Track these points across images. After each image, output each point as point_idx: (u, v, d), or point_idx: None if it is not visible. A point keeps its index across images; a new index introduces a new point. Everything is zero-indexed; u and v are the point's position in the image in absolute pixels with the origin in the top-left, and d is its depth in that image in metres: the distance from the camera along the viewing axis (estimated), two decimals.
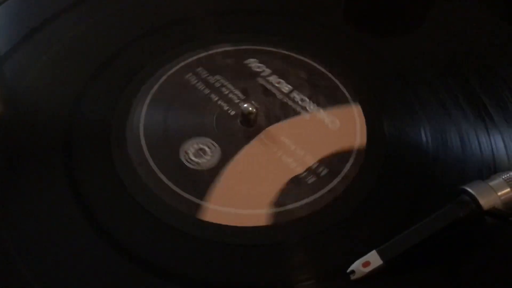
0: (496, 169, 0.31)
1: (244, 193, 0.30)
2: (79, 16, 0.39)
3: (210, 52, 0.37)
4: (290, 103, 0.34)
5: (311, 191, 0.30)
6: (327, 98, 0.34)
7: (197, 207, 0.29)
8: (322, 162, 0.31)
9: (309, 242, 0.28)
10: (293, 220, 0.29)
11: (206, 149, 0.31)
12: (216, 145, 0.32)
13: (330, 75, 0.36)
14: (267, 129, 0.33)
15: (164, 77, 0.35)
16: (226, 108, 0.34)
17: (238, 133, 0.32)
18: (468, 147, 0.32)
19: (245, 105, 0.32)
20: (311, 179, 0.30)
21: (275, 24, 0.40)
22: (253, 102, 0.33)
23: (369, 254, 0.25)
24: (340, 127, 0.33)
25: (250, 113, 0.32)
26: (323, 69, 0.36)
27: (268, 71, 0.36)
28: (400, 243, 0.25)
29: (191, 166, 0.30)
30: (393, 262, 0.25)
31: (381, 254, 0.25)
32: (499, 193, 0.27)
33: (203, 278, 0.26)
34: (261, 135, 0.32)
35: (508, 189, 0.27)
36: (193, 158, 0.31)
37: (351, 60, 0.37)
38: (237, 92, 0.34)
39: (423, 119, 0.34)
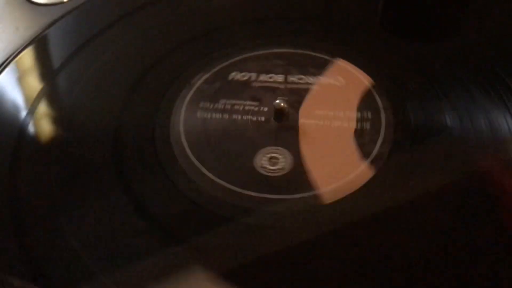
0: None
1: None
2: (121, 30, 0.43)
3: (243, 56, 0.40)
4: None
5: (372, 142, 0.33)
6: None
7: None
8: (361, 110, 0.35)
9: None
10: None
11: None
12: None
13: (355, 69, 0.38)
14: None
15: (200, 81, 0.38)
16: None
17: (273, 129, 0.35)
18: (495, 131, 0.33)
19: (277, 101, 0.35)
20: (366, 125, 0.34)
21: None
22: (282, 97, 0.35)
23: None
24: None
25: (282, 108, 0.35)
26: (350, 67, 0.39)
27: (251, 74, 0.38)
28: None
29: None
30: None
31: None
32: None
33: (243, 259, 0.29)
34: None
35: None
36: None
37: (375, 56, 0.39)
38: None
39: (447, 105, 0.35)
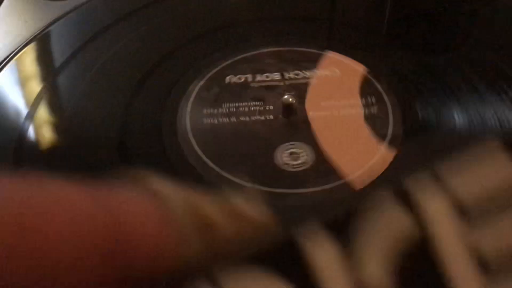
0: None
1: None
2: (125, 28, 0.43)
3: (233, 59, 0.39)
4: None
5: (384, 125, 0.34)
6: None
7: None
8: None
9: None
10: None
11: None
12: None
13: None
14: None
15: (206, 78, 0.38)
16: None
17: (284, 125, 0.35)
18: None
19: (285, 97, 0.34)
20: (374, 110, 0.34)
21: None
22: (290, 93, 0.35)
23: None
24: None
25: (290, 103, 0.34)
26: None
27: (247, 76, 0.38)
28: None
29: None
30: None
31: None
32: None
33: None
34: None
35: None
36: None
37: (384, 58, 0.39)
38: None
39: (455, 103, 0.35)
